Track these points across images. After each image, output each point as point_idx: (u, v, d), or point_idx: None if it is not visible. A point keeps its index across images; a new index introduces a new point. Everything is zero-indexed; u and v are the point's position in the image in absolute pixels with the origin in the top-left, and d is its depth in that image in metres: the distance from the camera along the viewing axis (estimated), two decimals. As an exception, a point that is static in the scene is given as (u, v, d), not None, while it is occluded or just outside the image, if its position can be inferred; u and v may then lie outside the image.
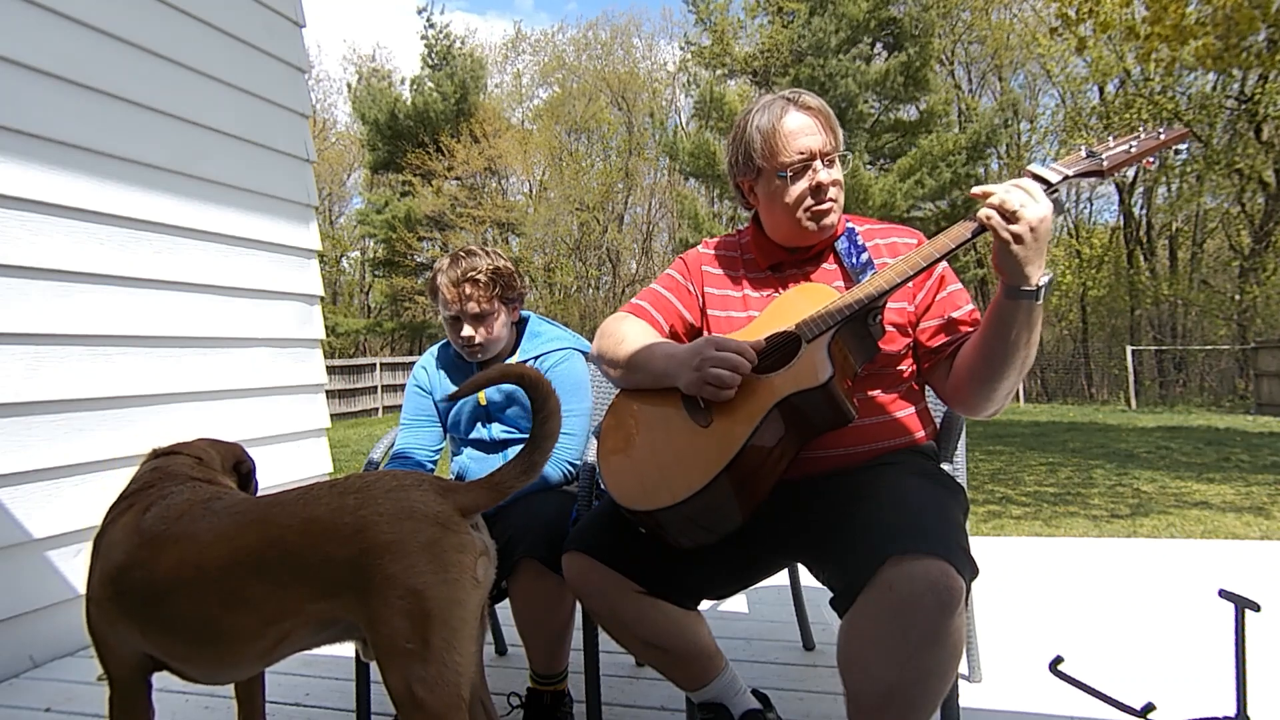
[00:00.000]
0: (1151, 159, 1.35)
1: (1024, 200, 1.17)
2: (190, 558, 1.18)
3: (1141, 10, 6.88)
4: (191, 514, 1.23)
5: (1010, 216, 1.17)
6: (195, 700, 2.01)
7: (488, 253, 1.90)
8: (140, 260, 2.78)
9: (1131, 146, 1.32)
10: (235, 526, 1.19)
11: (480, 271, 1.83)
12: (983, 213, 1.20)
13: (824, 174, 1.43)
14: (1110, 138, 1.36)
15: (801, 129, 1.43)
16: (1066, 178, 1.30)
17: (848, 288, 1.38)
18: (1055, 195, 1.32)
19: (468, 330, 1.84)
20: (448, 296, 1.83)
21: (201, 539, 1.19)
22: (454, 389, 1.91)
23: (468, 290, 1.82)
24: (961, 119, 17.32)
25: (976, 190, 1.23)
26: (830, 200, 1.44)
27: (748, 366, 1.28)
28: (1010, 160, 22.45)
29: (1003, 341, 1.27)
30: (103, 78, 2.66)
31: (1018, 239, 1.17)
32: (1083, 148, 1.35)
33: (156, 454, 1.45)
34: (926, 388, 1.52)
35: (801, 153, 1.43)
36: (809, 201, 1.44)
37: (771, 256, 1.54)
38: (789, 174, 1.44)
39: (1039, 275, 1.20)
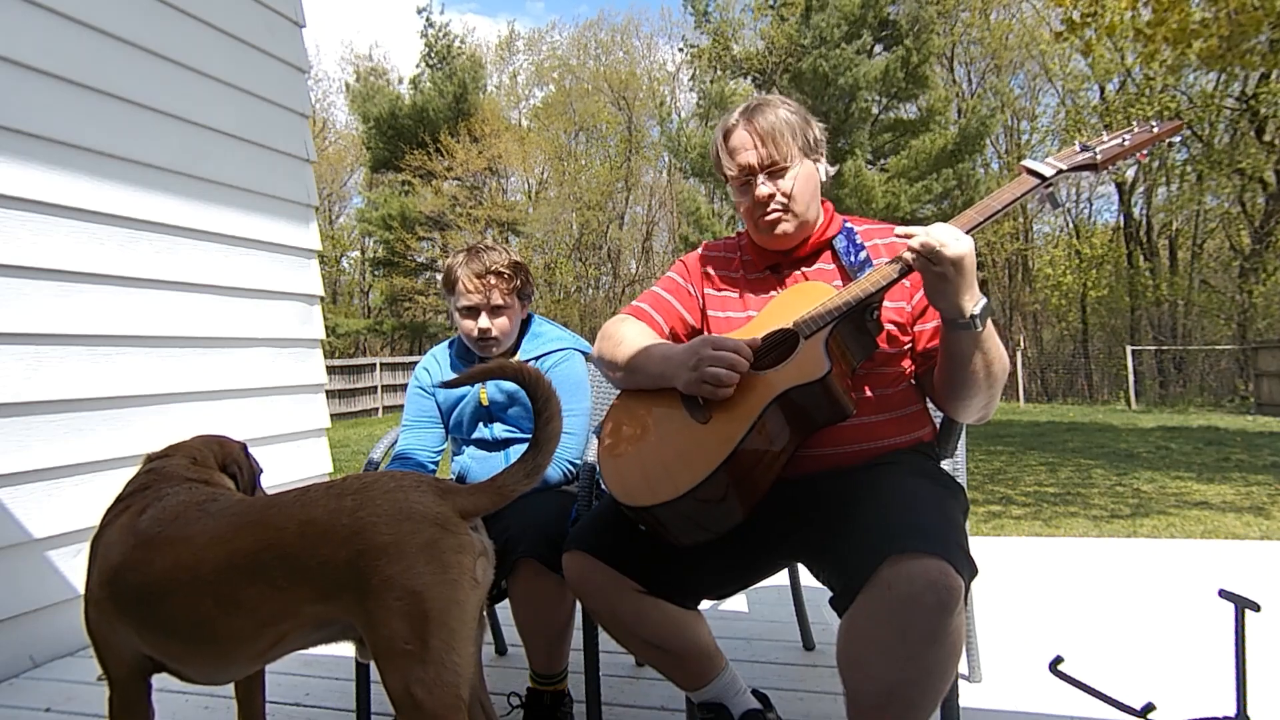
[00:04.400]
0: (1145, 152, 1.36)
1: (945, 239, 1.21)
2: (185, 560, 1.18)
3: (1146, 13, 6.85)
4: (186, 516, 1.23)
5: (934, 257, 1.21)
6: (195, 700, 2.01)
7: (504, 248, 1.93)
8: (140, 260, 2.78)
9: (1125, 140, 1.34)
10: (230, 529, 1.18)
11: (504, 265, 1.87)
12: (907, 254, 1.25)
13: (763, 188, 1.46)
14: (1104, 132, 1.37)
15: (740, 145, 1.48)
16: (1061, 171, 1.32)
17: (846, 285, 1.39)
18: (1052, 190, 1.34)
19: (485, 321, 1.86)
20: (469, 287, 1.85)
21: (196, 541, 1.19)
22: (461, 390, 1.92)
23: (492, 281, 1.85)
24: (960, 118, 17.31)
25: (899, 231, 1.29)
26: (776, 211, 1.47)
27: (745, 365, 1.28)
28: (1010, 159, 22.45)
29: (960, 369, 1.32)
30: (103, 78, 2.66)
31: (942, 277, 1.22)
32: (1077, 143, 1.37)
33: (151, 459, 1.45)
34: (924, 387, 1.52)
35: (742, 167, 1.48)
36: (755, 213, 1.49)
37: (768, 257, 1.56)
38: (734, 187, 1.52)
39: (971, 305, 1.24)
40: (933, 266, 1.22)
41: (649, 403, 1.41)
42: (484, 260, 1.86)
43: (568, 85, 27.98)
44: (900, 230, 1.28)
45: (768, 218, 1.47)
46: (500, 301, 1.86)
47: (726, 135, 1.50)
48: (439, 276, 1.99)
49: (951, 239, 1.21)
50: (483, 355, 1.92)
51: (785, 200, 1.46)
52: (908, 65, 16.38)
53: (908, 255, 1.25)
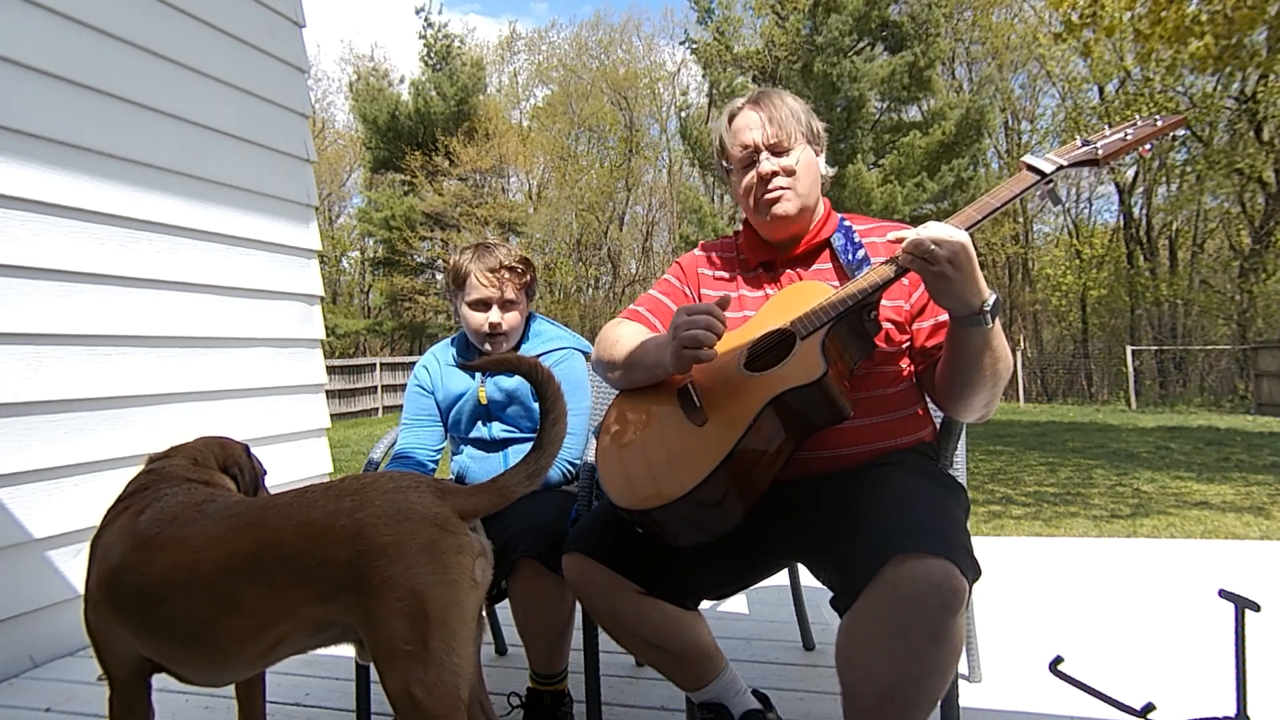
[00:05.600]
0: (1148, 147, 1.35)
1: (938, 236, 1.20)
2: (183, 561, 1.18)
3: (1144, 13, 6.86)
4: (185, 517, 1.23)
5: (929, 256, 1.20)
6: (195, 700, 2.01)
7: (510, 245, 1.97)
8: (140, 260, 2.78)
9: (1127, 134, 1.33)
10: (229, 530, 1.18)
11: (516, 260, 1.91)
12: (903, 258, 1.24)
13: (767, 164, 1.47)
14: (1106, 128, 1.36)
15: (746, 124, 1.49)
16: (1061, 167, 1.32)
17: (843, 285, 1.38)
18: (1052, 187, 1.33)
19: (496, 315, 1.88)
20: (483, 281, 1.88)
21: (194, 543, 1.18)
22: (460, 388, 1.93)
23: (505, 275, 1.89)
24: (958, 111, 17.29)
25: (892, 236, 1.29)
26: (779, 188, 1.47)
27: (720, 325, 1.28)
28: (1009, 160, 22.45)
29: (968, 367, 1.31)
30: (103, 78, 2.66)
31: (942, 275, 1.20)
32: (1079, 138, 1.36)
33: (152, 459, 1.44)
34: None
35: (745, 146, 1.48)
36: (756, 191, 1.48)
37: (761, 254, 1.56)
38: (736, 167, 1.52)
39: (981, 299, 1.23)
40: (930, 266, 1.20)
41: (646, 405, 1.41)
42: (496, 255, 1.90)
43: (569, 85, 27.98)
44: (893, 235, 1.28)
45: (769, 195, 1.47)
46: (512, 296, 1.90)
47: (732, 117, 1.52)
48: (439, 276, 2.00)
49: (945, 235, 1.20)
50: (488, 351, 1.92)
51: (789, 178, 1.46)
52: (913, 69, 16.39)
53: (903, 258, 1.24)
